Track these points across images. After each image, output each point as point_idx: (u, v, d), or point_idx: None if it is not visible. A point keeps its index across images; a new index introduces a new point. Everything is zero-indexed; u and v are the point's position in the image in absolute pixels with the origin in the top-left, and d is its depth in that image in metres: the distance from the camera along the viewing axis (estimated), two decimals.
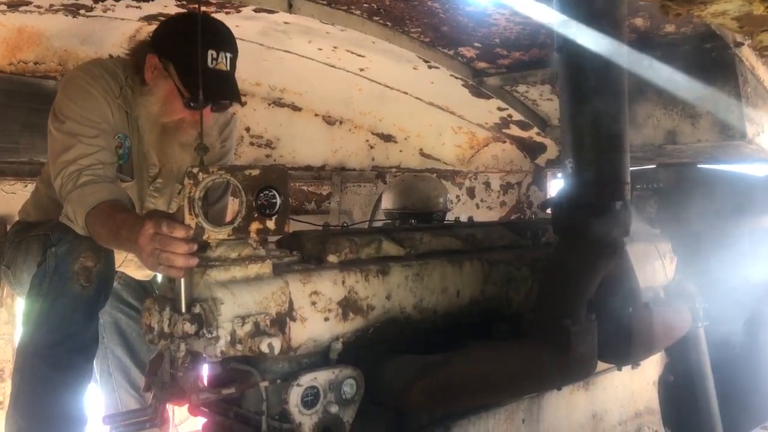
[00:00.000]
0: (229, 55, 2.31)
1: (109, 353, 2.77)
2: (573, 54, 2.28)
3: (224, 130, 2.73)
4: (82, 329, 2.32)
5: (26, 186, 3.25)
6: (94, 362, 2.56)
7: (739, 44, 3.00)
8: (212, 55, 2.26)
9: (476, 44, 3.55)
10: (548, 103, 4.04)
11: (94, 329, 2.39)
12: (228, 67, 2.31)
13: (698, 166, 3.80)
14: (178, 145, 2.42)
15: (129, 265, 2.70)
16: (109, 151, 2.33)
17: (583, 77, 2.27)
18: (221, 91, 2.32)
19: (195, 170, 1.65)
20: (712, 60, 3.06)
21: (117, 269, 2.62)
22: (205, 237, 1.67)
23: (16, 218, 3.15)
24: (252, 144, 4.26)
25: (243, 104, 2.52)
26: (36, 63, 3.21)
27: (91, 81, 2.34)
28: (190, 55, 2.16)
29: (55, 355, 2.27)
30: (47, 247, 2.29)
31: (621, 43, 2.26)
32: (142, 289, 2.79)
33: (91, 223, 2.14)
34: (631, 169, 2.36)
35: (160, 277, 2.64)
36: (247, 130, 4.22)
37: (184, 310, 1.66)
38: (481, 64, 3.80)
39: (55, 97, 2.38)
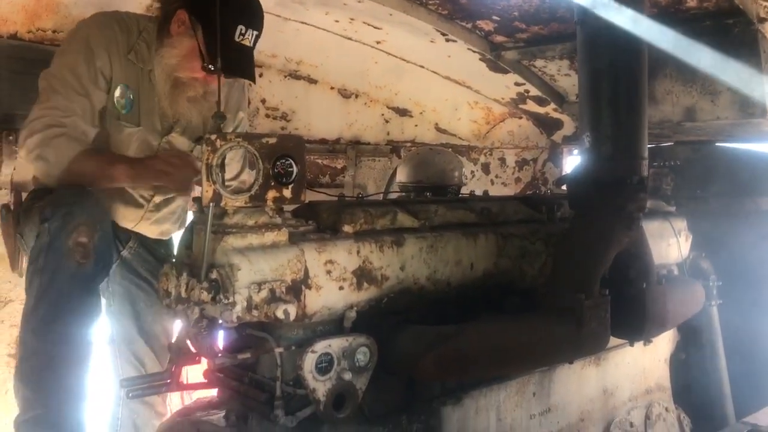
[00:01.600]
0: (255, 32, 2.37)
1: (115, 321, 2.78)
2: (593, 27, 2.26)
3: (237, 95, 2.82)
4: (80, 305, 2.33)
5: None
6: (98, 329, 2.59)
7: (763, 20, 2.95)
8: (241, 29, 2.31)
9: (495, 17, 3.52)
10: (566, 78, 4.00)
11: (93, 303, 2.41)
12: (252, 44, 2.38)
13: (716, 144, 3.77)
14: (186, 99, 2.48)
15: (144, 225, 2.72)
16: (84, 117, 2.37)
17: (603, 51, 2.26)
18: (241, 66, 2.37)
19: (213, 137, 1.66)
20: (734, 36, 3.02)
21: (133, 229, 2.66)
22: (222, 204, 1.69)
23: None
24: (267, 116, 4.26)
25: (254, 82, 2.59)
26: (54, 31, 3.21)
27: (95, 32, 2.38)
28: (221, 26, 2.17)
29: (54, 331, 2.29)
30: (42, 221, 2.30)
31: (642, 17, 2.23)
32: (155, 260, 2.80)
33: (74, 164, 2.21)
34: (648, 146, 2.35)
35: (176, 239, 2.69)
36: (263, 101, 4.21)
37: (203, 276, 1.67)
38: (499, 38, 3.76)
39: None
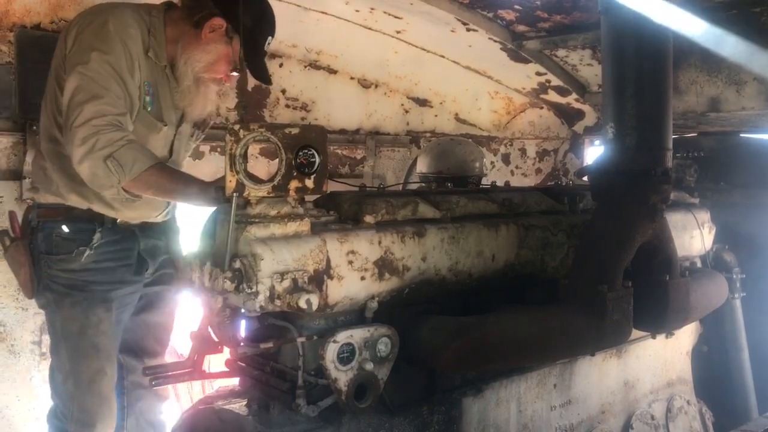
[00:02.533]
0: (272, 39, 2.55)
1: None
2: (618, 17, 2.23)
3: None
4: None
5: None
6: None
7: None
8: (269, 40, 2.54)
9: (516, 6, 3.48)
10: (588, 68, 3.96)
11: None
12: (268, 50, 2.57)
13: (741, 135, 3.72)
14: (203, 95, 2.57)
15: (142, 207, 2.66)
16: (129, 117, 2.38)
17: (628, 41, 2.23)
18: (265, 73, 2.61)
19: (236, 127, 1.66)
20: (761, 24, 2.96)
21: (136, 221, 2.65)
22: (245, 194, 1.69)
23: None
24: (288, 106, 4.26)
25: (270, 84, 2.84)
26: None
27: (122, 29, 2.38)
28: (257, 39, 2.48)
29: None
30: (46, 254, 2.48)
31: (668, 5, 2.20)
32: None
33: (151, 176, 2.22)
34: (672, 136, 2.33)
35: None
36: (283, 92, 4.21)
37: (226, 266, 1.68)
38: (521, 28, 3.73)
39: (68, 36, 2.39)
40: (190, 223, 2.88)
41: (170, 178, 2.25)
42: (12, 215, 2.56)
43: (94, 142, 2.20)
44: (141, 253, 2.63)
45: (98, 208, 2.52)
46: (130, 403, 2.78)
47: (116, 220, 2.56)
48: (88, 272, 2.51)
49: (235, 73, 2.60)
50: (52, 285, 2.50)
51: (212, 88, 2.59)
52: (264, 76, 2.62)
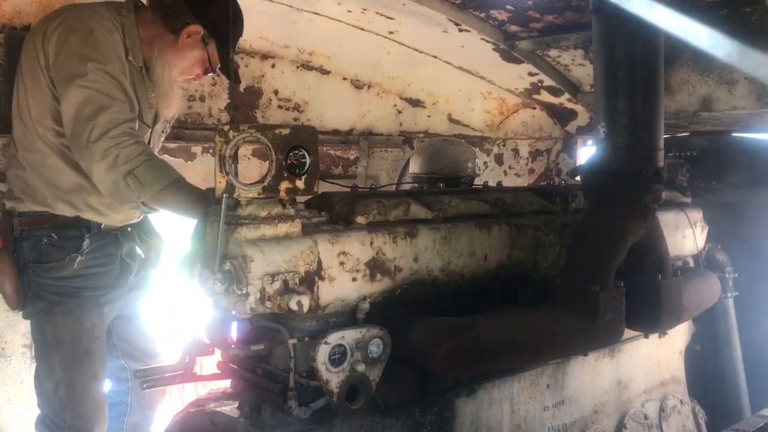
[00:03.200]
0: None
1: (113, 325, 2.75)
2: (609, 16, 2.23)
3: None
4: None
5: None
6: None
7: None
8: (241, 41, 2.67)
9: (508, 6, 3.48)
10: (580, 68, 3.96)
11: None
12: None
13: (733, 134, 3.73)
14: (178, 95, 2.68)
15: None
16: (136, 121, 2.41)
17: (620, 40, 2.23)
18: (236, 72, 2.75)
19: (226, 128, 1.66)
20: (751, 24, 2.97)
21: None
22: (235, 195, 1.68)
23: None
24: (280, 107, 4.24)
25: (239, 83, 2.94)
26: None
27: (109, 36, 2.37)
28: (231, 41, 2.55)
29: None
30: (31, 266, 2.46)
31: (659, 5, 2.20)
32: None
33: (167, 195, 2.22)
34: (664, 136, 2.33)
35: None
36: (276, 93, 4.20)
37: (216, 268, 1.67)
38: (513, 28, 3.73)
39: (45, 38, 2.34)
40: (172, 225, 2.88)
41: (186, 197, 2.23)
42: None
43: (115, 156, 2.19)
44: (123, 257, 2.63)
45: (86, 214, 2.51)
46: (132, 406, 2.80)
47: (101, 225, 2.54)
48: (79, 278, 2.50)
49: (205, 74, 2.69)
50: (42, 293, 2.47)
51: (183, 88, 2.74)
52: (236, 76, 2.74)
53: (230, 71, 2.64)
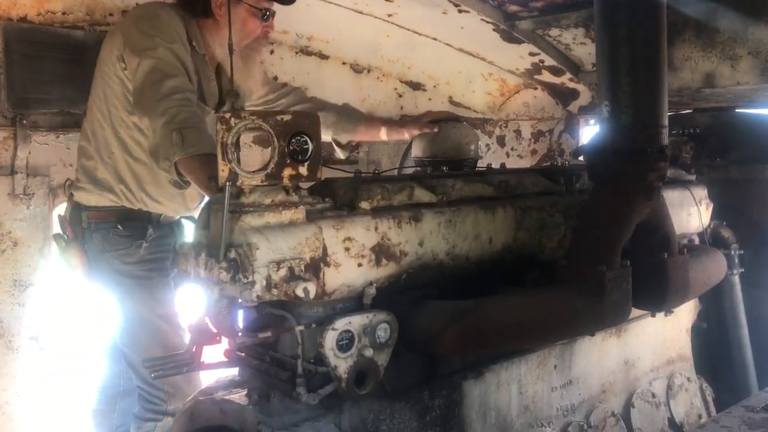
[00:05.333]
0: None
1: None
2: None
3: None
4: None
5: (58, 137, 3.27)
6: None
7: None
8: None
9: None
10: (581, 47, 3.93)
11: None
12: None
13: (737, 110, 3.70)
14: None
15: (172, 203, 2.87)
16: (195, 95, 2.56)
17: (622, 17, 2.21)
18: None
19: (227, 115, 1.64)
20: None
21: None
22: (238, 183, 1.67)
23: (50, 169, 3.20)
24: None
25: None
26: (64, 13, 3.19)
27: (172, 22, 2.57)
28: None
29: None
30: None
31: None
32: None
33: (195, 163, 2.27)
34: (667, 113, 2.31)
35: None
36: (275, 78, 4.18)
37: (221, 256, 1.67)
38: (513, 8, 3.70)
39: (116, 36, 2.60)
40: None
41: (208, 172, 2.23)
42: (62, 219, 2.81)
43: (175, 113, 2.33)
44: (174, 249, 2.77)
45: (145, 204, 2.76)
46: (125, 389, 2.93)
47: (161, 216, 2.80)
48: (145, 263, 2.79)
49: (267, 22, 2.73)
50: (119, 278, 2.75)
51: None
52: None
53: None
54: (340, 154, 3.30)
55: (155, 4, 2.70)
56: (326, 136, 3.26)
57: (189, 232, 2.89)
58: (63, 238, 2.77)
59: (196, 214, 2.79)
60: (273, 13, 2.75)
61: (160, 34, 2.50)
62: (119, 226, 2.73)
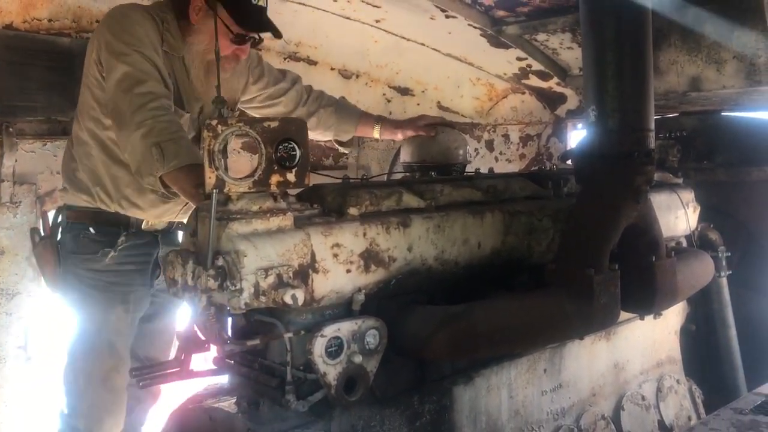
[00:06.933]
0: None
1: None
2: None
3: (255, 69, 3.01)
4: None
5: (45, 145, 3.25)
6: None
7: None
8: None
9: None
10: (568, 51, 3.95)
11: None
12: (266, 4, 2.59)
13: (723, 113, 3.73)
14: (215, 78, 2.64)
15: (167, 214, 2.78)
16: (171, 98, 2.48)
17: (608, 22, 2.22)
18: (266, 24, 2.60)
19: (214, 122, 1.64)
20: (738, 3, 2.96)
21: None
22: (225, 190, 1.67)
23: (36, 177, 3.19)
24: None
25: (281, 37, 2.79)
26: (50, 20, 3.18)
27: (144, 25, 2.49)
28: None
29: None
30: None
31: None
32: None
33: (180, 174, 2.23)
34: (654, 117, 2.32)
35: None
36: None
37: (209, 264, 1.66)
38: (500, 13, 3.71)
39: (93, 39, 2.54)
40: None
41: (195, 182, 2.22)
42: (44, 215, 2.76)
43: (151, 125, 2.27)
44: (157, 260, 2.70)
45: (125, 208, 2.64)
46: (129, 405, 2.83)
47: (142, 224, 2.69)
48: (110, 273, 2.65)
49: (242, 46, 2.60)
50: (77, 284, 2.65)
51: (224, 71, 2.59)
52: (265, 27, 2.61)
53: (260, 24, 2.55)
54: (342, 149, 3.33)
55: (128, 6, 2.63)
56: (327, 137, 3.26)
57: (174, 245, 2.76)
58: (38, 233, 2.71)
59: (184, 218, 2.76)
60: (251, 39, 2.63)
61: (131, 38, 2.44)
62: (91, 229, 2.65)
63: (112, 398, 2.66)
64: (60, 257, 2.65)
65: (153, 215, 2.72)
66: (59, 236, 2.69)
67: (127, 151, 2.35)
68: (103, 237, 2.65)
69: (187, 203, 2.70)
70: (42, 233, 2.70)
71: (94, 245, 2.64)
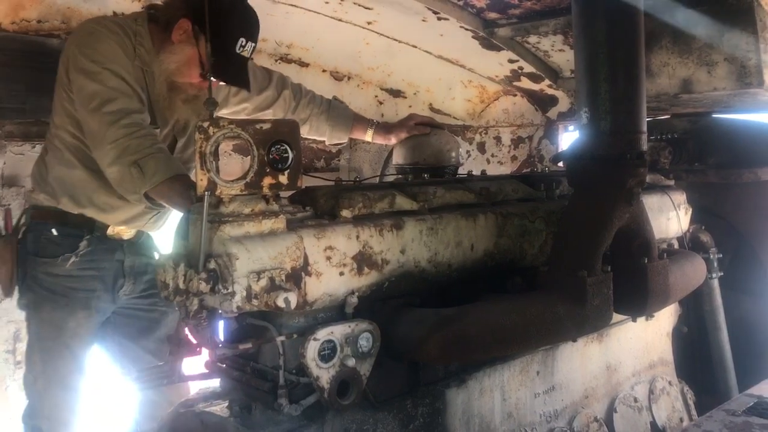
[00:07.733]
0: (253, 45, 2.51)
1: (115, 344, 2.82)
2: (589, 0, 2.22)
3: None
4: None
5: (34, 147, 3.23)
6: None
7: None
8: (242, 42, 2.46)
9: None
10: (560, 54, 3.95)
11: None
12: (249, 56, 2.53)
13: (714, 115, 3.74)
14: (181, 100, 2.56)
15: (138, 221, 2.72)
16: (145, 113, 2.43)
17: (600, 24, 2.22)
18: (239, 76, 2.57)
19: (205, 125, 1.63)
20: (729, 5, 2.97)
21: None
22: (217, 192, 1.65)
23: (25, 180, 3.17)
24: None
25: (249, 91, 2.78)
26: (39, 21, 3.16)
27: (112, 37, 2.43)
28: (224, 38, 2.39)
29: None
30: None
31: None
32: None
33: (164, 187, 2.20)
34: (646, 119, 2.32)
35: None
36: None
37: (201, 267, 1.65)
38: (492, 15, 3.71)
39: (64, 52, 2.47)
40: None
41: (180, 192, 2.21)
42: (7, 213, 2.66)
43: (126, 145, 2.23)
44: (125, 270, 2.65)
45: (91, 213, 2.57)
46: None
47: (106, 230, 2.61)
48: (71, 278, 2.57)
49: (206, 80, 2.51)
50: (34, 286, 2.56)
51: (186, 94, 2.55)
52: (236, 80, 2.59)
53: (231, 74, 2.51)
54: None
55: (97, 20, 2.58)
56: (321, 138, 3.26)
57: (143, 255, 2.72)
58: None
59: (152, 229, 2.72)
60: (207, 77, 2.47)
61: (99, 55, 2.38)
62: (53, 230, 2.57)
63: (75, 397, 2.61)
64: (19, 258, 2.57)
65: (117, 219, 2.63)
66: (20, 235, 2.61)
67: (106, 172, 2.31)
68: (65, 240, 2.58)
69: (157, 212, 2.67)
70: (2, 232, 2.62)
71: (55, 248, 2.57)
